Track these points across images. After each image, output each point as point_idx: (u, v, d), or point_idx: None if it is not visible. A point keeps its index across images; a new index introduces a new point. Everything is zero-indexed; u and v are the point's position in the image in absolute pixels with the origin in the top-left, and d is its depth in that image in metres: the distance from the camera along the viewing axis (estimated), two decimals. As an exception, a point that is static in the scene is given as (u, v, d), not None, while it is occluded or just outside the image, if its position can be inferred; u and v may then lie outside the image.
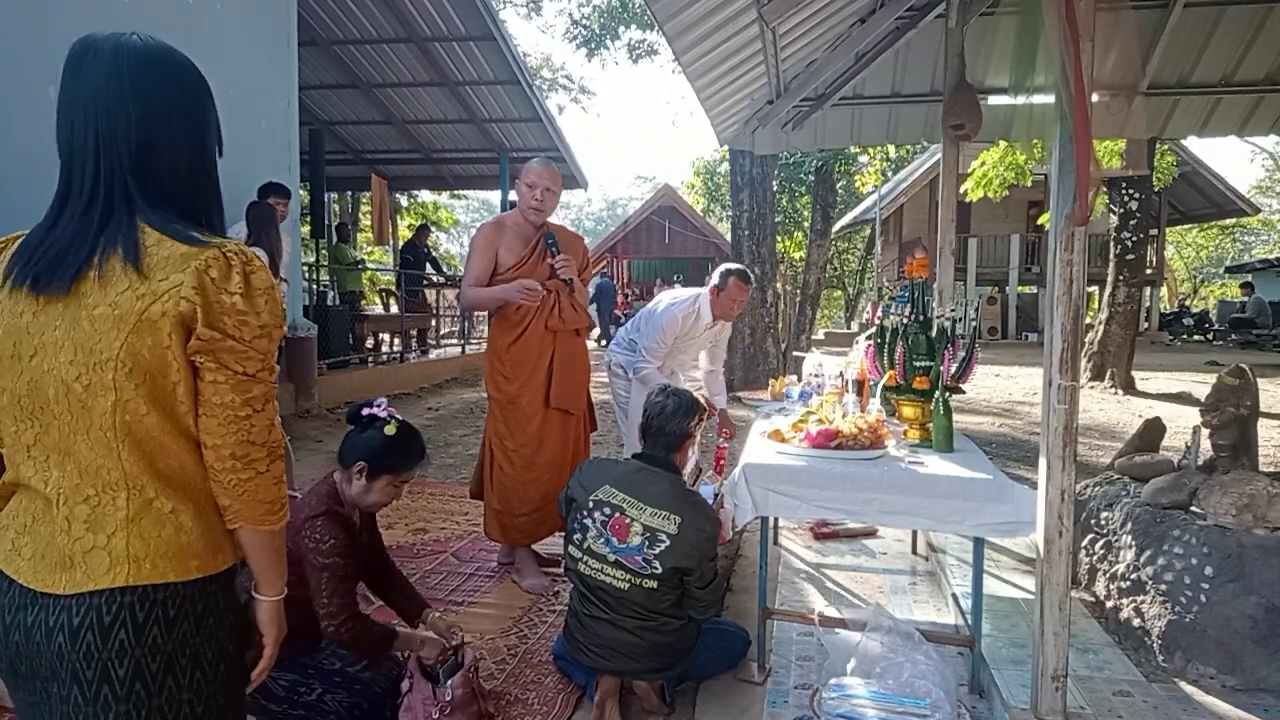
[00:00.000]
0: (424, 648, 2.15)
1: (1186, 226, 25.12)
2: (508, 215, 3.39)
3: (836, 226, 19.54)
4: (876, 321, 3.08)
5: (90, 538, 1.07)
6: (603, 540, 2.26)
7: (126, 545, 1.07)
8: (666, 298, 3.88)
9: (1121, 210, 9.68)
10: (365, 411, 2.14)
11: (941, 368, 2.73)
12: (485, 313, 3.38)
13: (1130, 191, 9.56)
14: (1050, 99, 2.01)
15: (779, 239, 17.19)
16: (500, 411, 3.31)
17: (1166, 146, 10.96)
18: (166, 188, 1.11)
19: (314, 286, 9.33)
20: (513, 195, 12.75)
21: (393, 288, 11.59)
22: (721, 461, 3.78)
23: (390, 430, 2.10)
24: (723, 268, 3.80)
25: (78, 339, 1.05)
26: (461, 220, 35.17)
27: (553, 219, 3.38)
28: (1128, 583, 2.71)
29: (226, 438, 1.09)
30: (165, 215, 1.09)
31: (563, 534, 3.44)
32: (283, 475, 1.18)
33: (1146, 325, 18.28)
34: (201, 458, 1.11)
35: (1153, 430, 3.29)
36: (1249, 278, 20.29)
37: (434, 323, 12.38)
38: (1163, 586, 2.55)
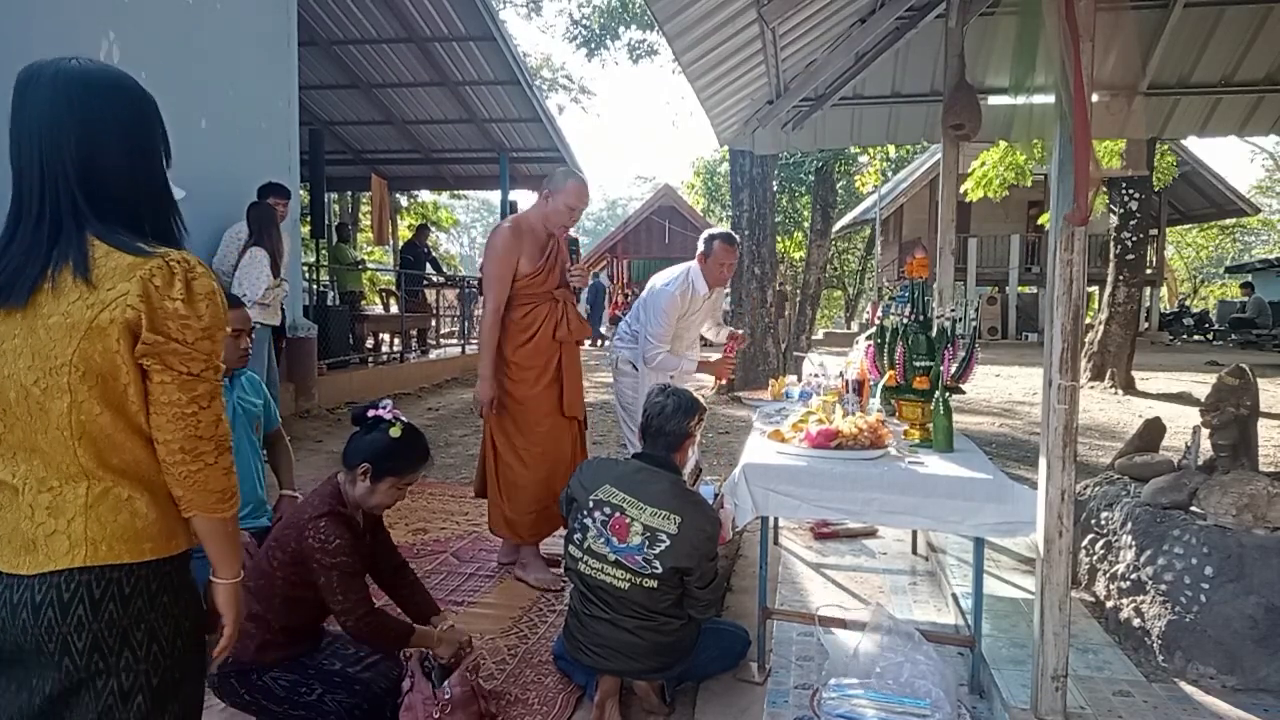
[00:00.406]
0: (440, 646, 2.16)
1: (1186, 226, 25.12)
2: (522, 219, 3.32)
3: (836, 226, 19.54)
4: (876, 321, 3.08)
5: (51, 523, 1.16)
6: (603, 540, 2.26)
7: (85, 529, 1.16)
8: (659, 281, 3.80)
9: (1121, 210, 9.68)
10: (370, 413, 2.14)
11: (941, 368, 2.73)
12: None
13: (1130, 191, 9.56)
14: (1050, 99, 2.01)
15: (779, 239, 17.19)
16: (510, 414, 3.31)
17: (1166, 146, 10.96)
18: (114, 202, 1.19)
19: (314, 287, 9.33)
20: (515, 195, 12.78)
21: (393, 288, 11.59)
22: (731, 354, 3.88)
23: (395, 432, 2.10)
24: (705, 234, 3.78)
25: (35, 346, 1.14)
26: (461, 220, 35.18)
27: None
28: (1128, 583, 2.71)
29: (175, 433, 1.18)
30: (113, 228, 1.17)
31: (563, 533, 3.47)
32: (231, 466, 1.26)
33: (1146, 325, 18.29)
34: (153, 451, 1.20)
35: (1153, 430, 3.29)
36: (1249, 278, 20.31)
37: (434, 323, 12.38)
38: (1163, 586, 2.55)
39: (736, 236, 3.87)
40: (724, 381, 3.99)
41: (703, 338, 4.12)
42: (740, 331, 4.05)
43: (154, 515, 1.21)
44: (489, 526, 3.47)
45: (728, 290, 4.12)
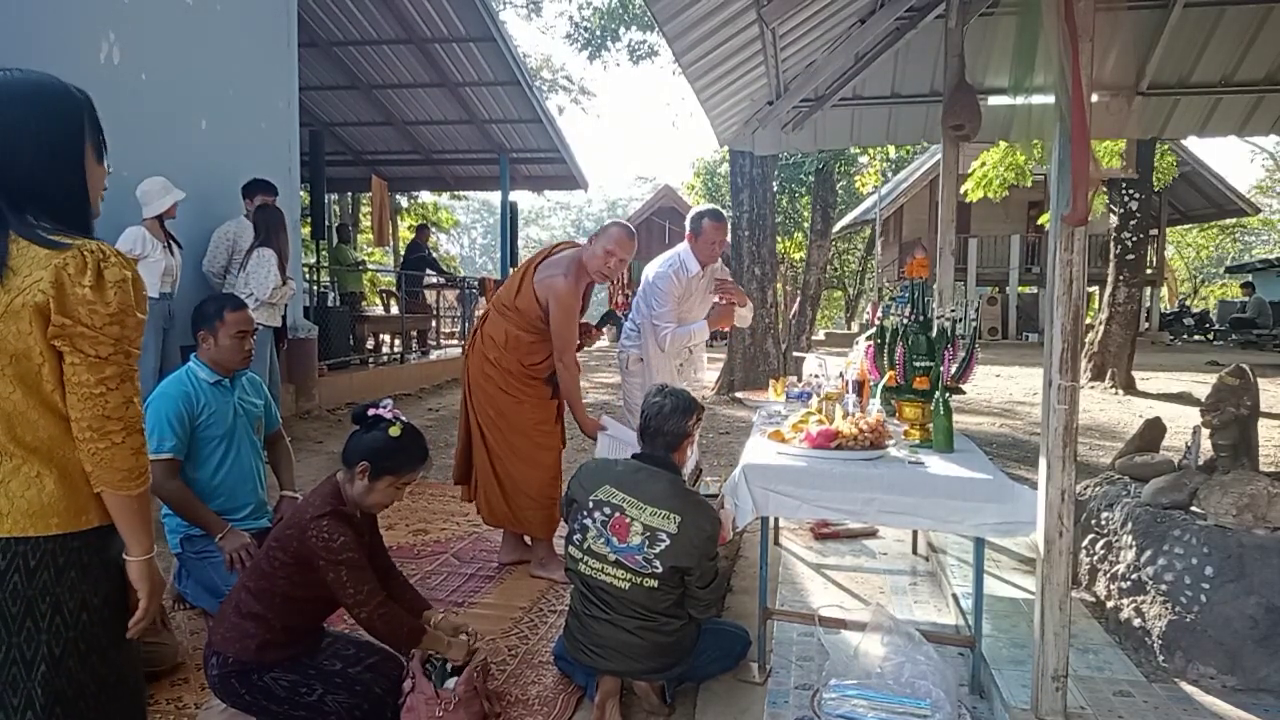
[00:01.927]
0: (451, 650, 2.17)
1: (1186, 226, 25.11)
2: (577, 266, 3.35)
3: (836, 227, 19.54)
4: (876, 322, 3.08)
5: None
6: (603, 540, 2.26)
7: None
8: (650, 270, 3.79)
9: (1121, 210, 9.68)
10: (370, 412, 2.15)
11: (941, 368, 2.73)
12: (498, 332, 3.43)
13: (1130, 191, 9.56)
14: (1050, 99, 2.01)
15: (779, 239, 17.17)
16: (516, 427, 3.40)
17: (1166, 146, 10.95)
18: (33, 200, 1.28)
19: (314, 288, 9.32)
20: (515, 196, 12.74)
21: (393, 288, 11.58)
22: (727, 301, 3.82)
23: (394, 431, 2.11)
24: (693, 213, 3.77)
25: None
26: (462, 221, 35.14)
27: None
28: (1128, 583, 2.71)
29: (85, 412, 1.26)
30: (30, 224, 1.26)
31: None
32: (142, 447, 1.33)
33: (1147, 325, 18.29)
34: (66, 430, 1.29)
35: (1153, 430, 3.29)
36: (1249, 278, 20.29)
37: (434, 323, 12.38)
38: (1163, 586, 2.55)
39: (724, 212, 3.85)
40: (726, 329, 3.92)
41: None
42: (734, 284, 3.98)
43: (62, 492, 1.28)
44: (531, 537, 3.51)
45: (723, 266, 4.03)
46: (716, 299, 3.91)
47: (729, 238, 8.86)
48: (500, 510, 3.43)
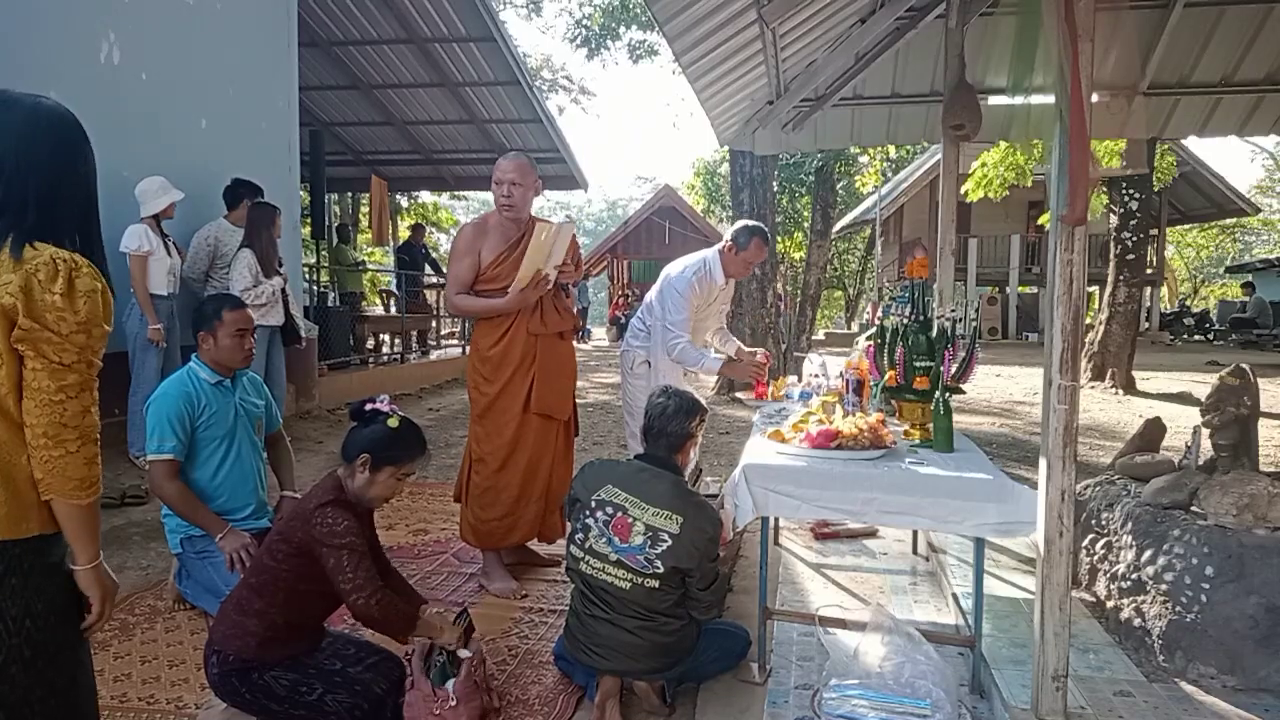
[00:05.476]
0: (444, 634, 2.17)
1: (1186, 226, 25.11)
2: (491, 214, 3.30)
3: (837, 227, 19.54)
4: (876, 322, 3.08)
5: None
6: (605, 540, 2.26)
7: None
8: (673, 269, 3.70)
9: (1121, 210, 9.68)
10: (368, 407, 2.16)
11: (942, 368, 2.73)
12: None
13: (1130, 191, 9.55)
14: (1050, 99, 2.01)
15: (779, 239, 17.17)
16: (479, 414, 3.26)
17: (1166, 146, 10.95)
18: (55, 218, 1.33)
19: (314, 287, 9.32)
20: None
21: (392, 289, 11.58)
22: (761, 365, 3.76)
23: (393, 423, 2.12)
24: (740, 225, 3.65)
25: None
26: (462, 221, 35.16)
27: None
28: (1128, 583, 2.71)
29: (41, 418, 1.26)
30: (32, 236, 1.29)
31: (538, 540, 3.42)
32: (96, 457, 1.33)
33: (1147, 325, 18.27)
34: (15, 435, 1.28)
35: (1153, 430, 3.29)
36: (1249, 278, 20.30)
37: (434, 323, 12.38)
38: (1163, 586, 2.55)
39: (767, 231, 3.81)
40: (757, 398, 3.86)
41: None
42: (768, 353, 3.99)
43: (4, 497, 1.27)
44: (460, 534, 3.41)
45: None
46: (722, 334, 3.92)
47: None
48: (462, 518, 3.36)
